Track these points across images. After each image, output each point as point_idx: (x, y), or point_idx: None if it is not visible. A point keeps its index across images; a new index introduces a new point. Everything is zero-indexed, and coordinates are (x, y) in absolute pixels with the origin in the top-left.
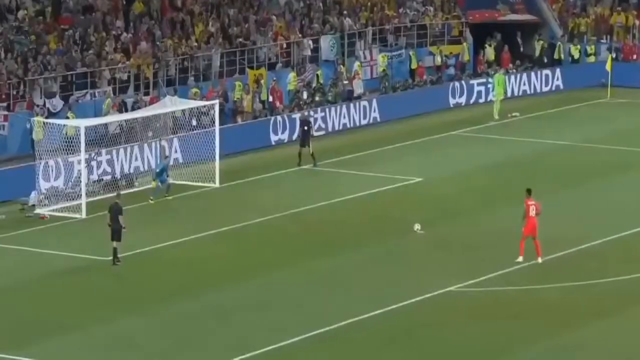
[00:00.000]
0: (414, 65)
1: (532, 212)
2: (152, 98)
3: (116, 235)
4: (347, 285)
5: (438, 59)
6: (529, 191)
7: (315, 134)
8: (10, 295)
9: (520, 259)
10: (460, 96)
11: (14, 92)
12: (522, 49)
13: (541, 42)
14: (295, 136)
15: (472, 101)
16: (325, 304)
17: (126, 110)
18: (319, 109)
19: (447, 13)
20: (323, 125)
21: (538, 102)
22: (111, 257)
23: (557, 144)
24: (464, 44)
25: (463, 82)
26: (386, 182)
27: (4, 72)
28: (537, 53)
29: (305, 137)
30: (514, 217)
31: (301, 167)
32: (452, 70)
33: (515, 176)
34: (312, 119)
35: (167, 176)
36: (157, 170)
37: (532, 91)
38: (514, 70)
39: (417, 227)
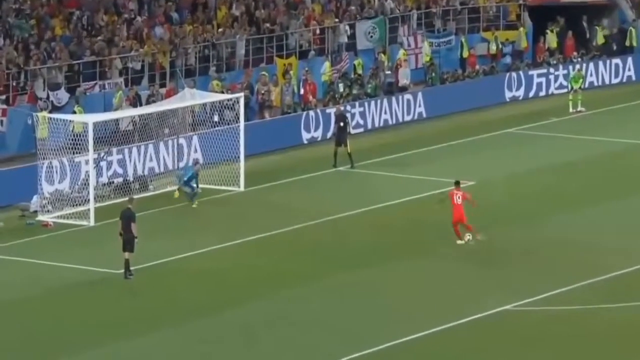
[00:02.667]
0: (464, 54)
1: (458, 200)
2: (169, 90)
3: (128, 245)
4: (386, 302)
5: (492, 47)
6: (457, 183)
7: (353, 131)
8: (9, 312)
9: (459, 241)
10: (518, 89)
11: (14, 84)
12: (588, 36)
13: (604, 29)
14: (330, 134)
15: (531, 94)
16: (361, 323)
17: (140, 104)
18: (356, 103)
19: None
20: (362, 122)
21: (607, 96)
22: (123, 270)
23: (627, 143)
24: (521, 29)
25: (521, 72)
26: (432, 186)
27: (3, 61)
28: (598, 41)
29: (341, 135)
30: (575, 225)
31: (337, 168)
32: (508, 59)
33: (578, 179)
34: (349, 115)
35: (197, 185)
36: (185, 178)
37: (600, 83)
38: (579, 59)
39: (468, 236)
